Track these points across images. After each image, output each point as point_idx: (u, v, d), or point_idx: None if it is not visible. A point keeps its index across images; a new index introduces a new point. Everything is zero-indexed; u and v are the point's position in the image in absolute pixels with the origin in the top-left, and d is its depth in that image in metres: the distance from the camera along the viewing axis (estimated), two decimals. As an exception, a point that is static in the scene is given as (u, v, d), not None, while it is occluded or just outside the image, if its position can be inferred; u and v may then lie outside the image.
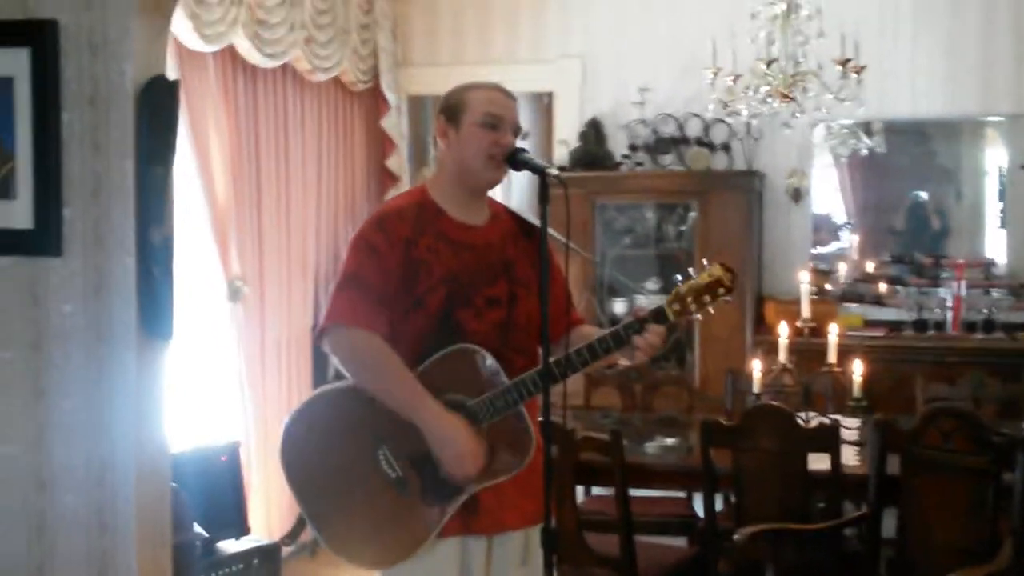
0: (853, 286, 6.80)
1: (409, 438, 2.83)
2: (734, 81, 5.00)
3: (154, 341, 3.00)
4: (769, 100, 4.81)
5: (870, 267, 6.92)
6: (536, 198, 2.76)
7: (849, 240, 7.07)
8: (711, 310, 2.87)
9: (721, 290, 2.86)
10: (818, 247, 6.94)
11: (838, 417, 4.69)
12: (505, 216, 3.06)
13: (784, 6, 4.80)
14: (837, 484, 4.06)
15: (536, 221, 2.84)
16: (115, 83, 2.92)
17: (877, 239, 7.02)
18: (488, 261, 2.94)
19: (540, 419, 2.75)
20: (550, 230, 2.84)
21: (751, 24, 4.95)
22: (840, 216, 7.07)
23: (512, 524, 2.93)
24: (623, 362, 3.03)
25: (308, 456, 2.93)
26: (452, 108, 2.93)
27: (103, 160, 2.93)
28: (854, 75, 4.73)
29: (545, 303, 2.71)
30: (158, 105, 2.94)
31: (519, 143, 2.95)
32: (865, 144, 6.94)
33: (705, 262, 2.90)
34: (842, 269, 6.90)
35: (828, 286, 6.79)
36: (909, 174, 6.98)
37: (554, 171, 2.82)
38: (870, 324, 6.53)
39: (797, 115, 4.99)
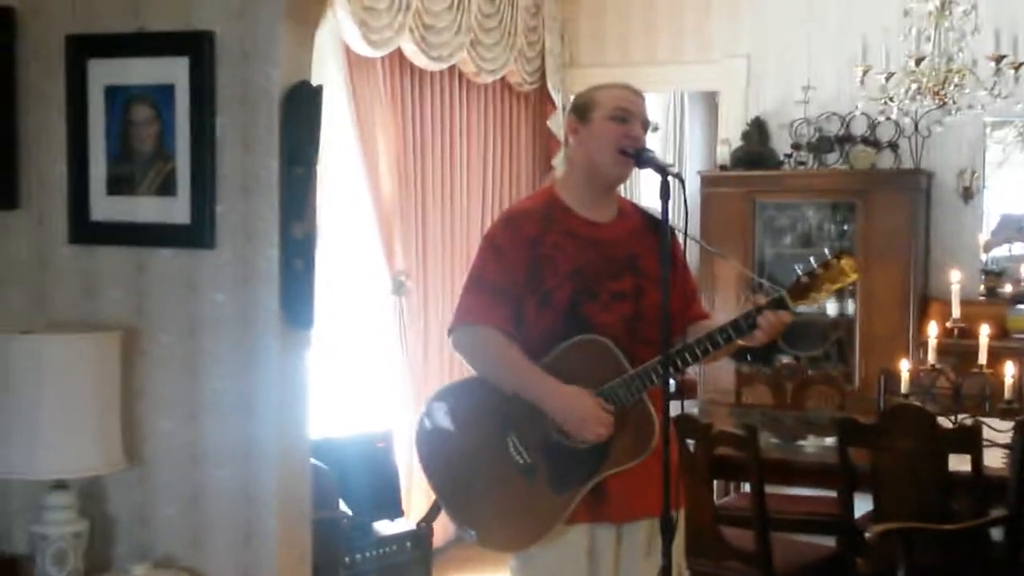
0: (1025, 288, 6.60)
1: (536, 425, 2.93)
2: (886, 79, 4.96)
3: (296, 329, 3.21)
4: (919, 97, 4.75)
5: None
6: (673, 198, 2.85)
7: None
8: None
9: (844, 278, 2.88)
10: (1008, 247, 6.77)
11: (987, 419, 4.60)
12: (633, 212, 3.13)
13: (938, 2, 4.74)
14: (979, 486, 4.01)
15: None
16: (263, 87, 3.15)
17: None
18: (613, 256, 3.01)
19: (679, 412, 2.79)
20: (679, 229, 2.94)
21: (906, 21, 4.90)
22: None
23: (640, 512, 2.98)
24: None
25: (440, 445, 3.07)
26: (582, 106, 3.03)
27: (251, 160, 3.17)
28: (1012, 71, 4.64)
29: (666, 296, 2.77)
30: (302, 108, 3.16)
31: (647, 136, 3.05)
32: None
33: (827, 251, 2.91)
34: (1023, 270, 6.71)
35: (1008, 287, 6.60)
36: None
37: (675, 170, 2.90)
38: (1041, 327, 6.33)
39: (953, 112, 4.91)
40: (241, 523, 3.19)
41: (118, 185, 3.29)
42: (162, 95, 3.23)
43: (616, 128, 2.95)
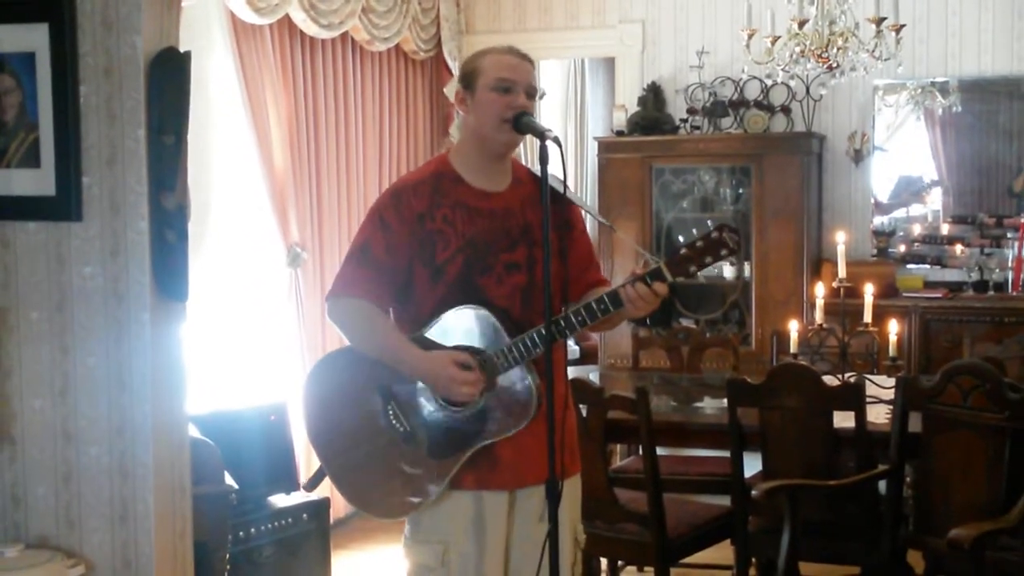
0: (917, 248, 6.73)
1: (415, 394, 2.93)
2: (772, 43, 4.99)
3: (169, 302, 3.16)
4: (803, 61, 4.79)
5: (945, 229, 6.80)
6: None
7: (931, 200, 6.96)
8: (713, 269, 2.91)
9: (724, 251, 2.87)
10: (906, 209, 6.88)
11: (874, 377, 4.69)
12: (527, 180, 3.08)
13: (820, -35, 4.79)
14: (863, 442, 4.08)
15: (559, 186, 2.91)
16: (127, 56, 3.08)
17: (963, 199, 6.89)
18: (506, 226, 2.98)
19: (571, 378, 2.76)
20: (572, 193, 2.93)
21: (790, -16, 4.94)
22: (929, 176, 6.95)
23: (532, 479, 2.95)
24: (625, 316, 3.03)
25: (324, 413, 3.04)
26: (467, 75, 2.98)
27: (118, 130, 3.10)
28: (893, 34, 4.69)
29: (547, 264, 2.75)
30: (168, 76, 3.09)
31: (536, 104, 3.01)
32: (940, 103, 6.85)
33: (710, 223, 2.92)
34: (916, 230, 6.83)
35: (902, 248, 6.72)
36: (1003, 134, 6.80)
37: (553, 134, 2.87)
38: (931, 286, 6.47)
39: (838, 76, 4.96)
40: (116, 500, 3.13)
41: (-21, 157, 3.20)
42: (23, 63, 3.14)
43: (499, 99, 2.90)
